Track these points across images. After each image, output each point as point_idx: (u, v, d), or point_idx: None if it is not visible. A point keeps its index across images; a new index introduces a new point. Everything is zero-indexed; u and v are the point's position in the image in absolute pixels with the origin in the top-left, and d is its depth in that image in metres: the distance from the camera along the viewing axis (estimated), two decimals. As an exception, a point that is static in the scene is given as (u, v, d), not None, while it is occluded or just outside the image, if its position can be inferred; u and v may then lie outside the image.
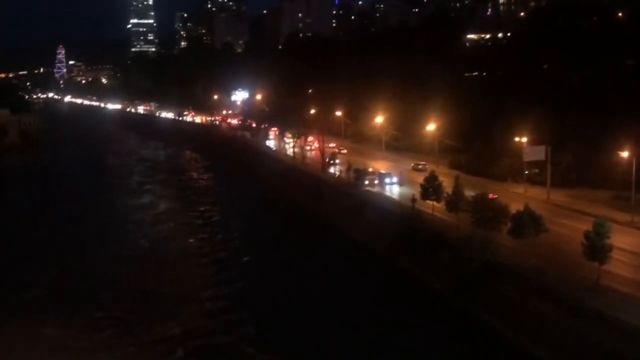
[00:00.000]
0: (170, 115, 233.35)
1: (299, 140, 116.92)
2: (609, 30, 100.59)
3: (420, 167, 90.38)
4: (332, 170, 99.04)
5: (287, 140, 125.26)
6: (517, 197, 69.44)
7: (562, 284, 44.92)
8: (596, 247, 43.11)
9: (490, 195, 67.53)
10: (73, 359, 48.24)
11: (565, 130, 77.77)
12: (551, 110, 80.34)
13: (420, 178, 72.46)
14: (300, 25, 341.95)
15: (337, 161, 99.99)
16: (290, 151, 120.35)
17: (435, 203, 66.27)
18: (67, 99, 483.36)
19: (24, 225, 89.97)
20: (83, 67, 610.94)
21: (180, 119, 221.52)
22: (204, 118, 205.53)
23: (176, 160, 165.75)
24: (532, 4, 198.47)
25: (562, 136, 76.45)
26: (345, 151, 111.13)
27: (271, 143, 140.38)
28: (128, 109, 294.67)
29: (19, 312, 55.58)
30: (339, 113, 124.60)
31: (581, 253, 44.78)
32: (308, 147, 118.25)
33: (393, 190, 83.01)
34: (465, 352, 46.99)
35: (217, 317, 55.28)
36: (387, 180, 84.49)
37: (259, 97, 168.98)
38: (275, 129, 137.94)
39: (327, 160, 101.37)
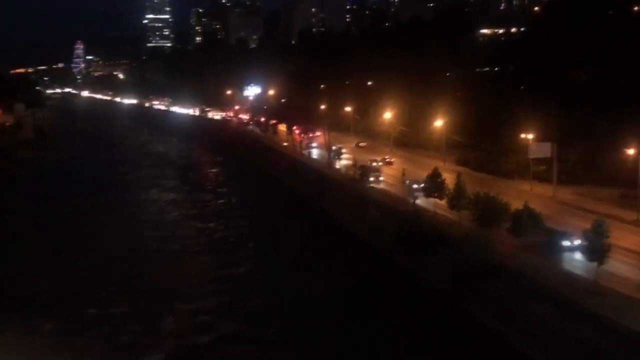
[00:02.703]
0: (185, 110, 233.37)
1: (305, 136, 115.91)
2: (624, 24, 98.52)
3: (360, 145, 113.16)
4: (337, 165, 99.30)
5: (338, 150, 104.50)
6: (522, 194, 68.24)
7: (560, 284, 43.90)
8: (594, 247, 42.07)
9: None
10: (70, 356, 48.13)
11: (573, 126, 76.36)
12: (560, 106, 78.96)
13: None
14: (314, 20, 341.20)
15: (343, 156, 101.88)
16: (342, 163, 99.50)
17: (438, 200, 65.37)
18: (84, 93, 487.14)
19: (33, 217, 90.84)
20: (100, 62, 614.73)
21: (199, 114, 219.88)
22: (217, 113, 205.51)
23: (187, 155, 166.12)
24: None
25: (570, 133, 75.04)
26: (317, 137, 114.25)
27: (314, 152, 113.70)
28: (146, 104, 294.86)
29: (18, 307, 55.73)
30: (348, 109, 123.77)
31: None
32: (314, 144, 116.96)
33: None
34: (461, 349, 46.21)
35: (217, 313, 55.18)
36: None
37: (271, 92, 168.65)
38: (319, 132, 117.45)
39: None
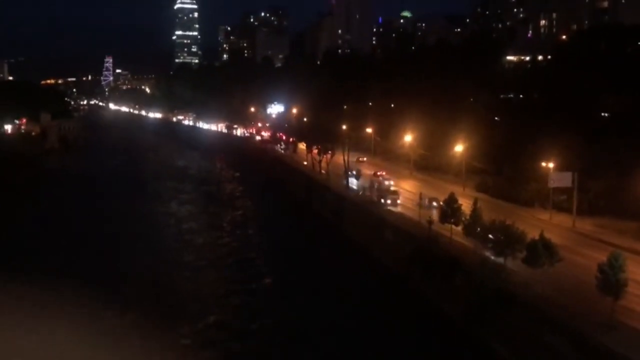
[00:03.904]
0: (209, 126, 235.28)
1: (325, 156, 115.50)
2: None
3: (360, 160, 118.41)
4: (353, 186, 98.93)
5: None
6: (541, 223, 67.24)
7: (574, 317, 42.77)
8: (610, 281, 40.97)
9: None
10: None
11: (597, 157, 75.11)
12: (584, 135, 77.89)
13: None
14: (340, 41, 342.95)
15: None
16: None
17: (454, 226, 64.47)
18: (112, 106, 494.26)
19: (48, 226, 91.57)
20: (129, 75, 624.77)
21: (226, 131, 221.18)
22: (245, 130, 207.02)
23: (208, 170, 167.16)
24: (574, 26, 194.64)
25: (594, 163, 73.85)
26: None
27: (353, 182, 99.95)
28: (174, 119, 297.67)
29: (34, 314, 55.53)
30: (369, 130, 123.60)
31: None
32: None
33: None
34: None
35: (227, 328, 55.16)
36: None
37: (293, 110, 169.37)
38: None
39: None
